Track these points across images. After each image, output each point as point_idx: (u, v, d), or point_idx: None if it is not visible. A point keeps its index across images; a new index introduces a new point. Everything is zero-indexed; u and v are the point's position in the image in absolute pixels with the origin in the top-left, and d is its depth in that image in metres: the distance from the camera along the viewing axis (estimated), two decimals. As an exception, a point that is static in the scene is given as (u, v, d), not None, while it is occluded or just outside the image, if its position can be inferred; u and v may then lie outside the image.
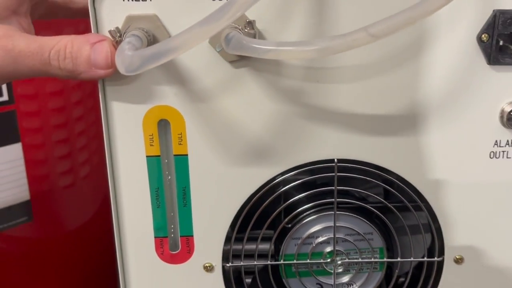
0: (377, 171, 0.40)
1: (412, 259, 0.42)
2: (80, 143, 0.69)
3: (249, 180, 0.39)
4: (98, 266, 0.76)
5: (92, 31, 0.35)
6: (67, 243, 0.71)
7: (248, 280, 0.44)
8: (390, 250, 0.43)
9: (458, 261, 0.42)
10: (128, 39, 0.31)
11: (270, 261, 0.42)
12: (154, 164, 0.38)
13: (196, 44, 0.30)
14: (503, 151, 0.39)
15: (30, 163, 0.63)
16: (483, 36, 0.37)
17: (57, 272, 0.71)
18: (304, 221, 0.42)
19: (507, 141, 0.39)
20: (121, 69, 0.29)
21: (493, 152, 0.39)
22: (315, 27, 0.36)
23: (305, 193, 0.41)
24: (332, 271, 0.43)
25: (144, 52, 0.29)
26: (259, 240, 0.41)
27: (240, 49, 0.32)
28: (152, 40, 0.35)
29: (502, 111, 0.38)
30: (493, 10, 0.36)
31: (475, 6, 0.36)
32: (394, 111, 0.38)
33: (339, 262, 0.43)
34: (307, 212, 0.42)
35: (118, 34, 0.33)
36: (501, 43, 0.37)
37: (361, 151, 0.39)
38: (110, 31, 0.34)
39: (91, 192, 0.73)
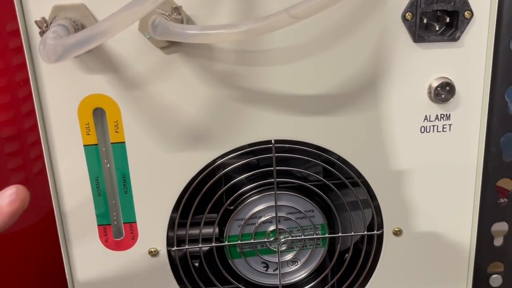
0: (316, 151, 0.41)
1: (352, 233, 0.44)
2: (32, 139, 0.68)
3: (189, 164, 0.40)
4: (54, 262, 0.75)
5: (19, 22, 0.34)
6: (21, 241, 0.70)
7: (197, 264, 0.45)
8: (332, 226, 0.45)
9: (397, 233, 0.43)
10: (53, 29, 0.31)
11: (215, 243, 0.43)
12: (92, 152, 0.38)
13: (121, 29, 0.30)
14: (433, 125, 0.41)
15: (-21, 161, 0.62)
16: (407, 14, 0.38)
17: (10, 270, 0.70)
18: (246, 202, 0.43)
19: (436, 115, 0.40)
20: (44, 58, 0.29)
21: (423, 126, 0.41)
22: (243, 11, 0.36)
23: (245, 175, 0.42)
24: (276, 250, 0.44)
25: (67, 40, 0.29)
26: (202, 223, 0.42)
27: (167, 34, 0.33)
28: (80, 30, 0.34)
29: (430, 87, 0.39)
30: (410, -11, 0.37)
31: (398, -14, 0.37)
32: (327, 91, 0.39)
33: (282, 240, 0.44)
34: (249, 193, 0.43)
35: (45, 25, 0.33)
36: (425, 21, 0.38)
37: (298, 131, 0.40)
38: (36, 21, 0.34)
39: (45, 188, 0.72)
